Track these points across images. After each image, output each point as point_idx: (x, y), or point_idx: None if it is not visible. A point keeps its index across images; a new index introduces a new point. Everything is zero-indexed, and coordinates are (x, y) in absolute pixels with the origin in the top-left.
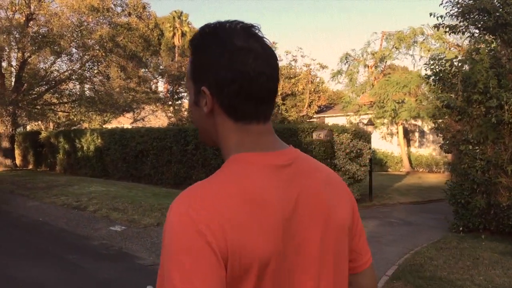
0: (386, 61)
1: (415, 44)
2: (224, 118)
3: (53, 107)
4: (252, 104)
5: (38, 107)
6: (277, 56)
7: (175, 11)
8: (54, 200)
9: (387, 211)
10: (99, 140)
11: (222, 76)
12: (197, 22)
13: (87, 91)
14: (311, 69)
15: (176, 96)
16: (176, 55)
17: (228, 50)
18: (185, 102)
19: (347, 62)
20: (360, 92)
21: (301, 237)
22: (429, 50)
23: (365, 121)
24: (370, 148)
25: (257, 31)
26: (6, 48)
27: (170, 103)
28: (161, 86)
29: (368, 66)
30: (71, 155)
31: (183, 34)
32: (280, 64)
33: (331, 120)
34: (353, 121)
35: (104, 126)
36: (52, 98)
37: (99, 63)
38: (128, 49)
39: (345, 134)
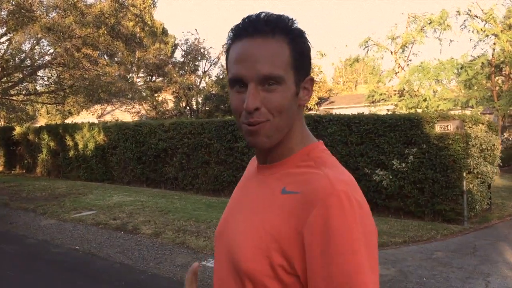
0: (412, 46)
1: (448, 27)
2: (303, 107)
3: (36, 98)
4: None
5: (16, 97)
6: None
7: None
8: (78, 217)
9: None
10: (101, 137)
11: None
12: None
13: (82, 79)
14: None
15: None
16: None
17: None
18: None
19: (366, 47)
20: (387, 80)
21: None
22: (484, 31)
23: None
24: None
25: None
26: None
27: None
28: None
29: (392, 52)
30: (58, 154)
31: None
32: None
33: (341, 112)
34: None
35: (65, 122)
36: (33, 86)
37: (88, 45)
38: (128, 29)
39: (480, 125)
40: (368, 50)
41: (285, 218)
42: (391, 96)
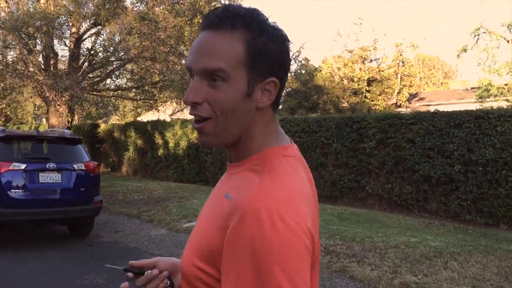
0: None
1: None
2: (269, 109)
3: (126, 93)
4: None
5: (104, 92)
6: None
7: None
8: (192, 228)
9: None
10: (194, 135)
11: (287, 67)
12: None
13: (173, 73)
14: (402, 50)
15: None
16: None
17: (287, 41)
18: None
19: (477, 35)
20: (505, 72)
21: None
22: None
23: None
24: None
25: None
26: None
27: None
28: None
29: (508, 41)
30: (146, 153)
31: None
32: (361, 44)
33: (442, 109)
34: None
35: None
36: (122, 81)
37: (177, 38)
38: None
39: None
40: (478, 39)
41: (217, 226)
42: (509, 90)
